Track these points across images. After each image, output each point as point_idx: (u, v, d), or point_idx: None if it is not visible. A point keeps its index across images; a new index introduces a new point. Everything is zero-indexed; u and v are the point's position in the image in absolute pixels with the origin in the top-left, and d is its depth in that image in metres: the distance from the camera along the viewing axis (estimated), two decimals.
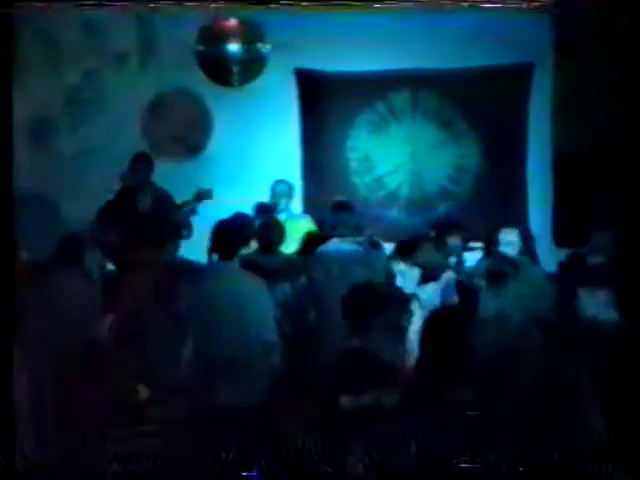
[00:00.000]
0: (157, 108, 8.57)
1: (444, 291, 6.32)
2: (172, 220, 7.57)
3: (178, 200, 7.81)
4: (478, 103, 8.56)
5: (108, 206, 7.67)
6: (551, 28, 8.19)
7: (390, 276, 6.02)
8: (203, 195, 7.78)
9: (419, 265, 6.14)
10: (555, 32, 8.21)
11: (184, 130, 8.67)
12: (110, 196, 7.84)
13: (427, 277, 6.21)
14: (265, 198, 7.91)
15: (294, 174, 8.51)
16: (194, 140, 8.67)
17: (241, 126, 8.44)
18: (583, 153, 8.21)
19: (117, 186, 7.96)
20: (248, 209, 7.65)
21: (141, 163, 7.84)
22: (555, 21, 8.11)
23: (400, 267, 6.14)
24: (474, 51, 8.25)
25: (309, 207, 8.47)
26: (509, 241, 6.70)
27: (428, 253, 6.51)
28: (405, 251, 6.23)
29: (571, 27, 7.99)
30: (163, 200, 7.76)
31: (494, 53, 8.30)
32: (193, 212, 7.74)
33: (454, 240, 7.07)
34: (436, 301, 6.13)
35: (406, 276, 6.10)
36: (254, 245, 6.43)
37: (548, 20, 8.10)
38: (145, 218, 7.54)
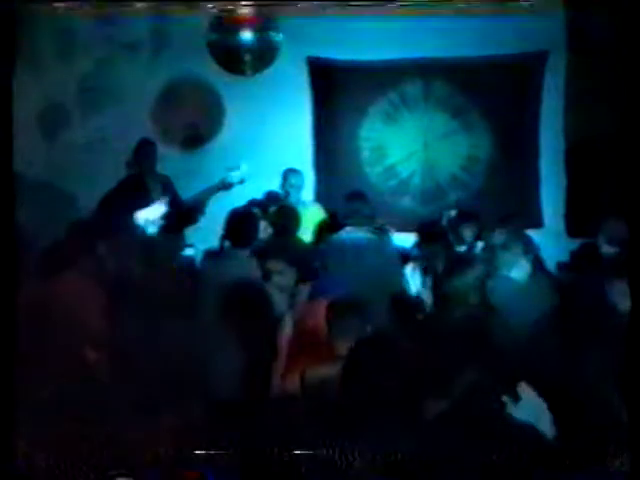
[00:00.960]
0: (169, 97, 8.57)
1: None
2: (184, 206, 7.53)
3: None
4: (491, 92, 8.54)
5: (115, 194, 7.58)
6: (565, 16, 8.15)
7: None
8: (231, 181, 7.61)
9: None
10: (569, 20, 8.18)
11: (196, 119, 8.67)
12: (113, 184, 7.80)
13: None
14: (276, 187, 7.93)
15: (306, 163, 8.51)
16: (206, 129, 8.67)
17: (253, 115, 8.44)
18: (596, 143, 8.19)
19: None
20: (259, 198, 7.72)
21: (147, 149, 7.80)
22: (569, 9, 8.07)
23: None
24: (487, 40, 8.22)
25: (321, 196, 8.48)
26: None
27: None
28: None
29: (585, 16, 7.95)
30: (169, 187, 7.75)
31: (507, 42, 8.26)
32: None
33: (467, 231, 7.05)
34: None
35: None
36: (269, 231, 6.46)
37: (562, 8, 8.07)
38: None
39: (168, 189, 7.72)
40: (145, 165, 7.73)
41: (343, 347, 4.23)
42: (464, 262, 5.48)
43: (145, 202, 7.34)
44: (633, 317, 4.15)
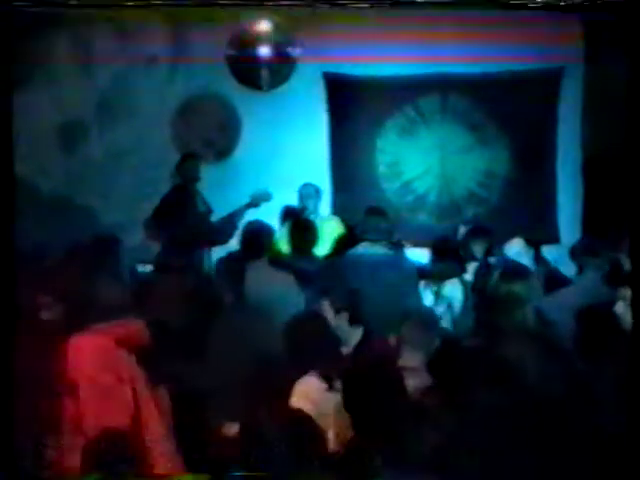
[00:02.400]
0: (187, 111, 8.61)
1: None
2: (220, 222, 7.66)
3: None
4: (508, 107, 8.53)
5: (166, 203, 7.70)
6: (582, 32, 8.15)
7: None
8: (260, 198, 7.77)
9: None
10: (586, 36, 8.17)
11: (213, 134, 8.70)
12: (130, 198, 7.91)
13: None
14: (293, 201, 7.94)
15: (322, 178, 8.52)
16: (223, 144, 8.70)
17: (270, 130, 8.46)
18: (613, 157, 8.16)
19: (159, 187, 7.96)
20: (276, 212, 7.74)
21: (191, 163, 7.91)
22: (586, 24, 8.07)
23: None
24: (504, 55, 8.22)
25: (337, 210, 8.47)
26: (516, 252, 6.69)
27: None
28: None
29: (602, 31, 7.95)
30: (205, 200, 7.86)
31: (525, 56, 8.26)
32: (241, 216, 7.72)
33: (477, 247, 7.02)
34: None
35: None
36: (285, 246, 6.48)
37: (579, 24, 8.07)
38: (202, 218, 7.63)
39: (205, 202, 7.84)
40: (189, 178, 7.81)
41: (411, 360, 4.38)
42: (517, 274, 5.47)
43: (193, 214, 7.45)
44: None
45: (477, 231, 7.21)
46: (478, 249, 6.95)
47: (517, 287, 5.10)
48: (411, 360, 4.43)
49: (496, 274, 5.53)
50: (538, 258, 7.02)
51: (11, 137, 4.68)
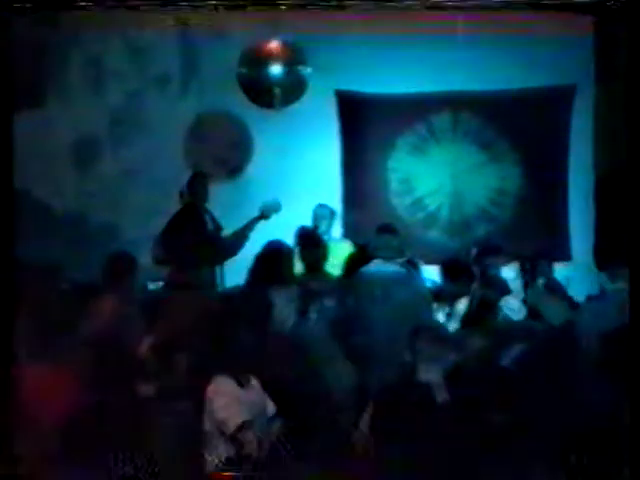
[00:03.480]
0: (199, 130, 8.64)
1: None
2: (231, 238, 7.69)
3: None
4: (519, 125, 8.53)
5: (176, 221, 7.73)
6: (593, 50, 8.16)
7: None
8: (270, 209, 7.78)
9: None
10: (597, 54, 8.18)
11: (225, 152, 8.72)
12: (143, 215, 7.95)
13: None
14: (306, 221, 7.94)
15: (334, 196, 8.53)
16: (235, 162, 8.72)
17: (282, 148, 8.48)
18: (625, 175, 8.15)
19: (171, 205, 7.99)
20: (289, 232, 7.74)
21: (200, 181, 7.94)
22: (597, 43, 8.08)
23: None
24: (515, 73, 8.24)
25: (349, 228, 8.48)
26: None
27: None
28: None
29: (613, 49, 7.96)
30: (214, 218, 7.88)
31: (536, 75, 8.28)
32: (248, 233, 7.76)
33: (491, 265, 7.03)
34: None
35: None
36: (299, 267, 6.49)
37: (590, 42, 8.08)
38: (211, 237, 7.66)
39: (215, 220, 7.86)
40: (199, 197, 7.84)
41: (426, 374, 4.41)
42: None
43: (203, 233, 7.47)
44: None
45: (490, 250, 7.23)
46: (492, 268, 6.96)
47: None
48: (428, 375, 4.44)
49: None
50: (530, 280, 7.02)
51: (11, 153, 4.71)
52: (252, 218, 7.78)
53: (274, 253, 6.25)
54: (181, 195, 7.94)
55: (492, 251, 7.19)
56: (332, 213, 8.00)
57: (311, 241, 6.91)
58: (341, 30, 7.87)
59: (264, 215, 7.76)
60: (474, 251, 7.36)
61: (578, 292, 7.03)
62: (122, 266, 6.17)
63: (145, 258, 7.65)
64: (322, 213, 7.91)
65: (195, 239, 7.33)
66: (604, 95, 8.25)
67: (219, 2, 6.20)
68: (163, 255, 7.32)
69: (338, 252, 7.22)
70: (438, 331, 4.93)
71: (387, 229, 6.83)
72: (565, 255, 8.44)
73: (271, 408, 4.73)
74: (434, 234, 8.67)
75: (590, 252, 8.39)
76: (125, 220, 8.38)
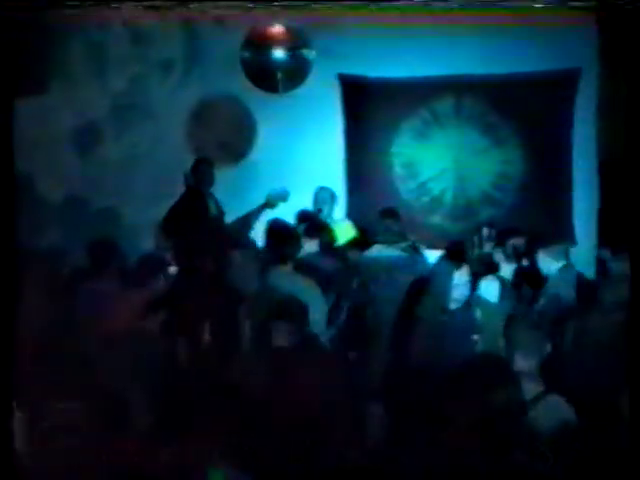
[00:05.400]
0: (202, 114, 8.63)
1: None
2: (235, 224, 7.68)
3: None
4: (523, 109, 8.50)
5: (177, 208, 7.73)
6: (598, 33, 8.13)
7: None
8: (277, 198, 7.75)
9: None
10: (601, 37, 8.14)
11: (228, 136, 8.72)
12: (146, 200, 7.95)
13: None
14: (308, 205, 7.95)
15: (338, 180, 8.53)
16: (238, 146, 8.71)
17: (285, 132, 8.47)
18: (629, 159, 8.13)
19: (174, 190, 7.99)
20: (291, 215, 7.74)
21: (204, 168, 7.92)
22: (602, 26, 8.04)
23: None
24: (519, 57, 8.21)
25: (352, 213, 8.48)
26: None
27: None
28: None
29: (617, 32, 7.92)
30: (218, 203, 7.87)
31: (540, 59, 8.24)
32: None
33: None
34: None
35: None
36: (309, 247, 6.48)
37: (595, 25, 8.05)
38: (214, 223, 7.65)
39: (218, 206, 7.84)
40: (203, 182, 7.82)
41: (521, 362, 4.31)
42: None
43: (205, 218, 7.46)
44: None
45: (513, 230, 7.23)
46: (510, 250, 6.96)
47: None
48: (523, 364, 4.31)
49: None
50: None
51: (12, 139, 4.72)
52: (257, 206, 7.75)
53: (279, 231, 6.24)
54: (186, 180, 7.93)
55: (513, 232, 7.19)
56: (333, 196, 8.00)
57: (315, 225, 6.90)
58: (344, 14, 7.85)
59: (269, 204, 7.72)
60: (486, 232, 7.33)
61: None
62: (104, 252, 6.18)
63: (148, 243, 7.68)
64: (323, 196, 7.92)
65: (197, 225, 7.32)
66: (608, 79, 8.22)
67: None
68: (164, 240, 7.32)
69: (339, 233, 7.22)
70: (534, 319, 4.76)
71: (389, 213, 6.83)
72: (569, 239, 8.42)
73: None
74: (437, 218, 8.65)
75: (594, 235, 8.38)
76: (128, 205, 8.39)
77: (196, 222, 7.43)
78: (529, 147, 8.56)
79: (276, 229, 6.36)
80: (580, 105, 8.45)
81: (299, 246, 6.31)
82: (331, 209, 7.92)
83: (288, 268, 5.82)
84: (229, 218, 7.88)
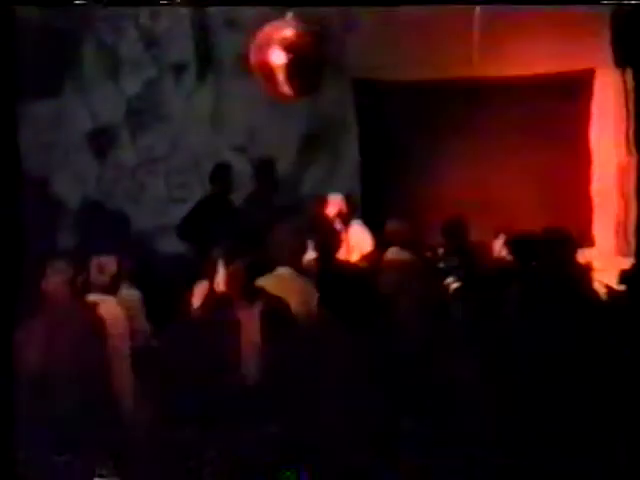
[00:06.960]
0: (217, 118, 8.63)
1: None
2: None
3: None
4: (537, 111, 8.46)
5: (199, 209, 7.71)
6: (611, 35, 8.07)
7: None
8: None
9: None
10: (615, 39, 8.09)
11: (244, 140, 8.70)
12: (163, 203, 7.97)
13: None
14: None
15: (354, 183, 8.51)
16: (253, 150, 8.70)
17: (300, 136, 8.48)
18: None
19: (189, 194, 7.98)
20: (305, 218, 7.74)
21: (223, 172, 7.88)
22: (615, 26, 7.99)
23: None
24: (532, 58, 8.17)
25: (367, 216, 8.46)
26: None
27: None
28: None
29: (632, 34, 7.88)
30: (238, 211, 7.87)
31: (554, 59, 8.20)
32: None
33: None
34: None
35: None
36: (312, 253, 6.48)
37: (608, 27, 8.00)
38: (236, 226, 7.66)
39: (237, 212, 7.84)
40: (223, 187, 7.79)
41: None
42: None
43: (227, 223, 7.47)
44: None
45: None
46: None
47: None
48: None
49: None
50: None
51: (16, 141, 4.74)
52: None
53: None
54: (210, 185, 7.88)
55: None
56: (348, 198, 7.99)
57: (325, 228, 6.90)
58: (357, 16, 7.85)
59: None
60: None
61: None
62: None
63: (164, 245, 7.70)
64: (336, 200, 7.91)
65: (213, 230, 7.31)
66: (623, 78, 8.18)
67: None
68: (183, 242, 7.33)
69: (355, 237, 7.21)
70: None
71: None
72: (587, 241, 8.36)
73: None
74: None
75: (612, 239, 8.32)
76: (143, 208, 8.42)
77: (212, 227, 7.40)
78: (545, 150, 8.49)
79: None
80: (597, 106, 8.38)
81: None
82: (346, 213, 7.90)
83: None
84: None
